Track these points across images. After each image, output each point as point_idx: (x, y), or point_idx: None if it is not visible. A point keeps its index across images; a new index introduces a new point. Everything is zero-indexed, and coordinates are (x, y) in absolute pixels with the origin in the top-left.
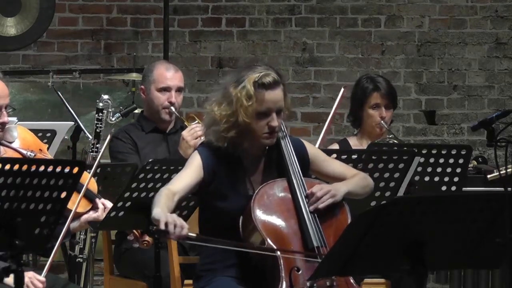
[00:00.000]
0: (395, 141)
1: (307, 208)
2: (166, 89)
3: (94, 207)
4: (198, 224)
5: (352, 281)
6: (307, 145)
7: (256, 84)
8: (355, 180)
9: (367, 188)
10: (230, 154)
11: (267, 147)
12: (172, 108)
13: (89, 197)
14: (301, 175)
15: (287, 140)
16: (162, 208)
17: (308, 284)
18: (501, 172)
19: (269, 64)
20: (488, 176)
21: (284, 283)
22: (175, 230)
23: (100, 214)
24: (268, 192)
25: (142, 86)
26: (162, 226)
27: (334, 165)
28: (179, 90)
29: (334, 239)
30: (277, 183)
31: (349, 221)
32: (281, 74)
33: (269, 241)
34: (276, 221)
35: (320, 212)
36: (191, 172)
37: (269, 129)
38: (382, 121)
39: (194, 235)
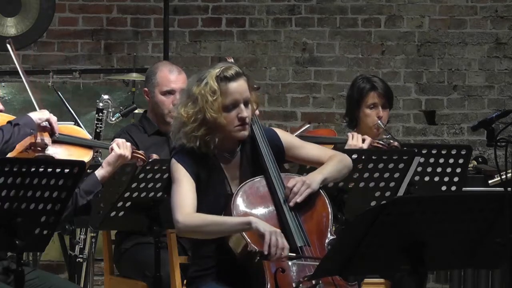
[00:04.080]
0: (392, 141)
1: (288, 207)
2: (171, 92)
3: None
4: None
5: (338, 278)
6: (280, 133)
7: (218, 78)
8: (330, 165)
9: (344, 170)
10: (205, 154)
11: (240, 144)
12: None
13: (85, 145)
14: (280, 173)
15: (262, 137)
16: (247, 218)
17: (294, 285)
18: (502, 177)
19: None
20: (490, 181)
21: (269, 285)
22: (277, 252)
23: (117, 150)
24: (247, 192)
25: (146, 89)
26: (266, 250)
27: (309, 150)
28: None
29: (316, 234)
30: (256, 183)
31: (328, 209)
32: (243, 71)
33: (252, 244)
34: None
35: (299, 206)
36: (187, 185)
37: (239, 120)
38: (379, 121)
39: (293, 254)
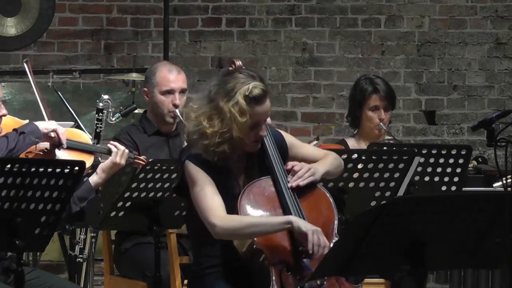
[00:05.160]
0: (393, 142)
1: (294, 208)
2: (170, 92)
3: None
4: (185, 223)
5: (342, 279)
6: (284, 134)
7: (248, 98)
8: (329, 161)
9: (339, 168)
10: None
11: None
12: (177, 111)
13: (86, 150)
14: (286, 173)
15: (270, 139)
16: (287, 217)
17: (298, 284)
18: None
19: (251, 69)
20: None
21: (274, 284)
22: (319, 250)
23: (113, 156)
24: (254, 191)
25: (145, 89)
26: (310, 249)
27: (307, 149)
28: (182, 91)
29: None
30: (262, 183)
31: (334, 212)
32: (263, 78)
33: (258, 243)
34: None
35: (306, 208)
36: (211, 187)
37: (256, 137)
38: (381, 123)
39: None
